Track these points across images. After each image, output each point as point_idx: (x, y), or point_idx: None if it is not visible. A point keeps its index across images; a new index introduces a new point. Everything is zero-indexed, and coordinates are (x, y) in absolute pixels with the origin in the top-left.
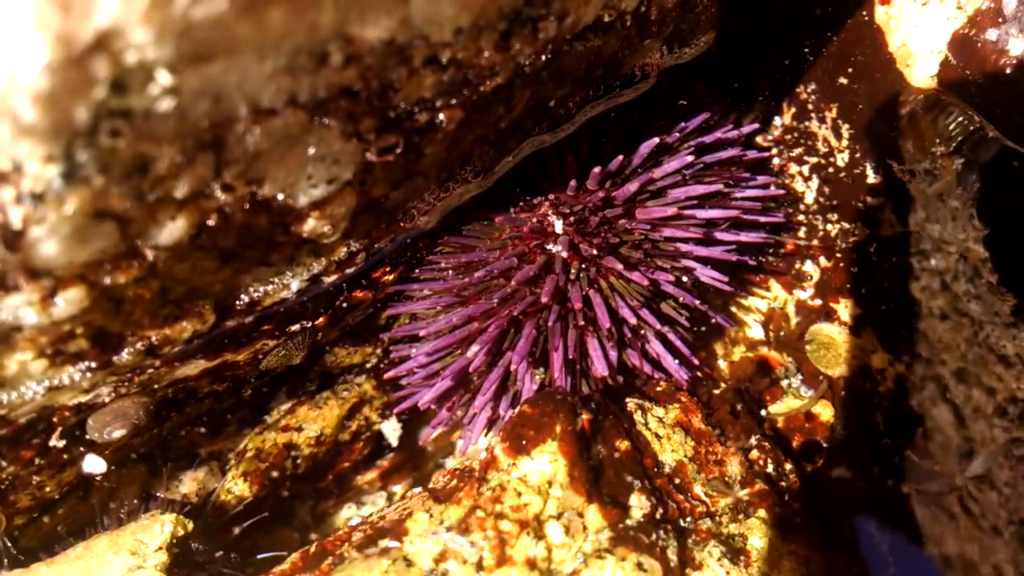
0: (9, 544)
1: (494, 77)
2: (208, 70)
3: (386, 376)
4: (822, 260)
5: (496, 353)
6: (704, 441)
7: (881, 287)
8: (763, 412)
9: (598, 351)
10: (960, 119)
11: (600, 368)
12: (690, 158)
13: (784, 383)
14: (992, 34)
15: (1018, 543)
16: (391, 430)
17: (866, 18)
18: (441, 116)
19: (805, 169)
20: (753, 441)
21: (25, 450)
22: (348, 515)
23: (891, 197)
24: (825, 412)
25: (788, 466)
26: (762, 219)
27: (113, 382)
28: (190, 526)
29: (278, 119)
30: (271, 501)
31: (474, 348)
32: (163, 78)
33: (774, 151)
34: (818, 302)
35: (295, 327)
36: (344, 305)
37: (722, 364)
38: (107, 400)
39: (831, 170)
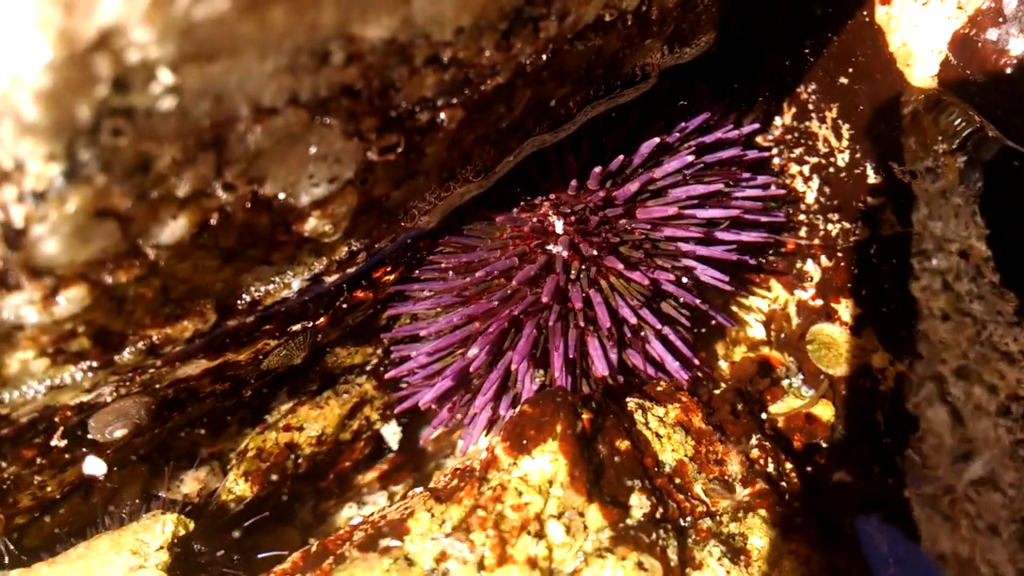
0: (11, 544)
1: (495, 76)
2: (210, 69)
3: (387, 376)
4: (823, 260)
5: (497, 353)
6: (704, 440)
7: (882, 287)
8: (764, 412)
9: (598, 351)
10: (962, 117)
11: (600, 368)
12: (691, 158)
13: (785, 383)
14: (992, 34)
15: (1017, 543)
16: (391, 433)
17: (866, 18)
18: (442, 115)
19: (806, 169)
20: (754, 441)
21: (27, 450)
22: (349, 514)
23: (892, 197)
24: (826, 412)
25: (789, 466)
26: (763, 219)
27: (115, 381)
28: (191, 526)
29: (279, 118)
30: (272, 501)
31: (475, 348)
32: (165, 77)
33: (774, 151)
34: (819, 302)
35: (296, 327)
36: (345, 305)
37: (723, 364)
38: (109, 400)
39: (831, 170)
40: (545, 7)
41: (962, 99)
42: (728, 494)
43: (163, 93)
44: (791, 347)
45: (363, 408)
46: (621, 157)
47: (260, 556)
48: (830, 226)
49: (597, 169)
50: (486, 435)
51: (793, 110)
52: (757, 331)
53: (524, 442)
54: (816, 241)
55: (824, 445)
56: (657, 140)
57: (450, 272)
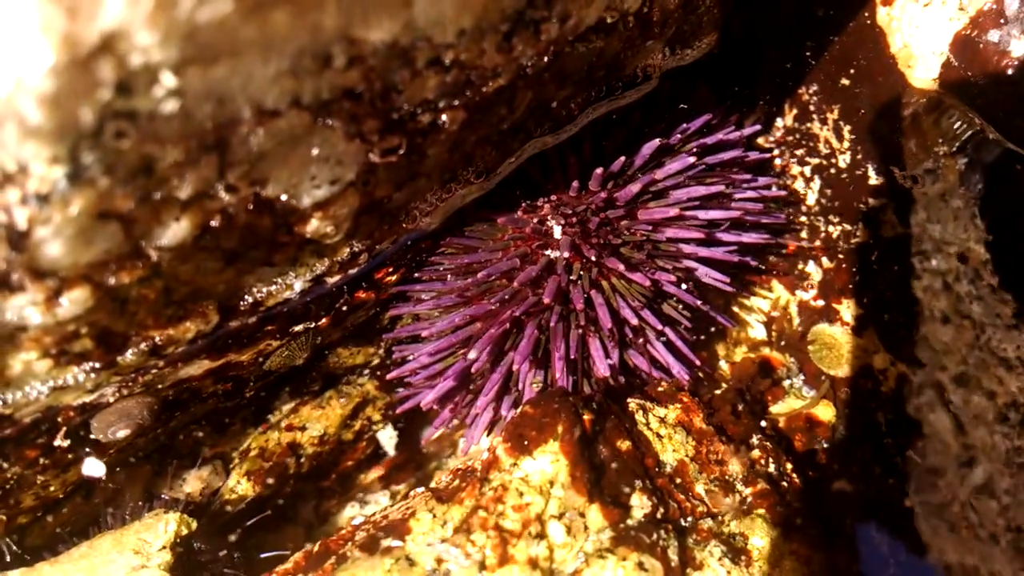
0: (13, 544)
1: (496, 78)
2: (212, 72)
3: (389, 376)
4: (824, 261)
5: (498, 354)
6: (705, 441)
7: (883, 288)
8: (765, 413)
9: (600, 351)
10: (963, 119)
11: (602, 368)
12: (692, 159)
13: (786, 383)
14: (994, 35)
15: (1014, 551)
16: (387, 438)
17: (868, 20)
18: (444, 117)
19: (807, 170)
20: (755, 441)
21: (30, 450)
22: (351, 514)
23: (893, 199)
24: (827, 412)
25: (789, 466)
26: (764, 220)
27: (117, 382)
28: (194, 525)
29: (282, 120)
30: (274, 500)
31: (476, 349)
32: (168, 80)
33: (776, 152)
34: (820, 303)
35: (298, 328)
36: (346, 306)
37: (724, 365)
38: (111, 400)
39: (833, 171)
40: (546, 9)
41: (963, 101)
42: (729, 494)
43: (166, 96)
44: (792, 348)
45: (365, 408)
46: (622, 158)
47: (262, 556)
48: (831, 227)
49: (598, 170)
50: (487, 435)
51: (794, 112)
52: (758, 332)
53: (525, 443)
54: (817, 243)
55: (825, 446)
56: (658, 141)
57: (451, 273)
